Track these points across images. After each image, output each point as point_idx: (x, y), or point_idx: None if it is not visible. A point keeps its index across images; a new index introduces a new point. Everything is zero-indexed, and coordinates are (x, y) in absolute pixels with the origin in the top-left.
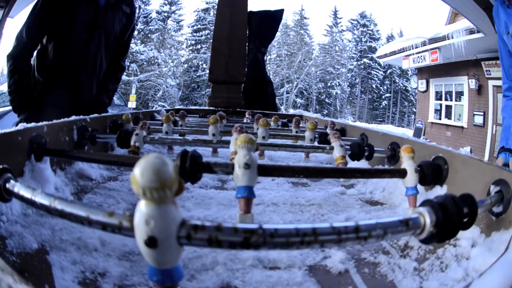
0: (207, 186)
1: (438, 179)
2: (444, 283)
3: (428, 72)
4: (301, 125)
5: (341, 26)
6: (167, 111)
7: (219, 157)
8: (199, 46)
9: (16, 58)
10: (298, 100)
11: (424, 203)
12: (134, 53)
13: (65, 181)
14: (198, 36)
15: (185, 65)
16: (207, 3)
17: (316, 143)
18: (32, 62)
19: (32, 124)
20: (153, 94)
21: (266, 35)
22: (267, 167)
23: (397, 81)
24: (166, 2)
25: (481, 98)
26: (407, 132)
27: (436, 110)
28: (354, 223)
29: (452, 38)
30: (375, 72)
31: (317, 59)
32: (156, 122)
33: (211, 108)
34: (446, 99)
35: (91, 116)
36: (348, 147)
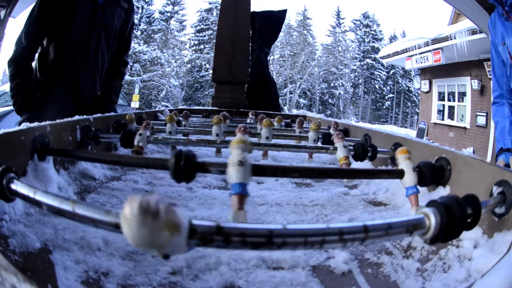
0: (211, 186)
1: (439, 179)
2: (447, 283)
3: (431, 73)
4: (304, 125)
5: (344, 26)
6: (170, 111)
7: (223, 157)
8: (202, 46)
9: (17, 62)
10: (301, 100)
11: (429, 204)
12: (137, 53)
13: (68, 180)
14: (201, 36)
15: (188, 65)
16: (210, 3)
17: (319, 144)
18: (34, 64)
19: (35, 124)
20: (156, 94)
21: (269, 36)
22: (261, 167)
23: (400, 81)
24: (169, 2)
25: (484, 99)
26: (410, 133)
27: (439, 111)
28: (362, 223)
29: (455, 38)
30: (378, 73)
31: (320, 59)
32: (159, 122)
33: (214, 108)
34: (449, 100)
35: (95, 116)
36: (351, 147)
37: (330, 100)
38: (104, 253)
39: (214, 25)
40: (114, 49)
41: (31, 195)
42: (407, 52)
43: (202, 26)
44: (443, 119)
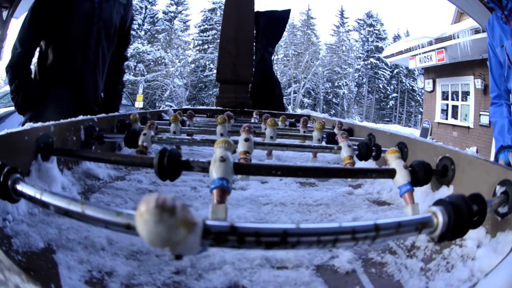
0: None
1: (441, 178)
2: (450, 283)
3: (434, 72)
4: (308, 125)
5: (348, 26)
6: (175, 111)
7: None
8: (206, 46)
9: (14, 68)
10: (306, 100)
11: (437, 203)
12: (140, 53)
13: (72, 180)
14: (205, 36)
15: (192, 65)
16: (213, 3)
17: (323, 143)
18: (33, 67)
19: (39, 124)
20: (160, 94)
21: (273, 35)
22: (243, 165)
23: (403, 81)
24: (173, 2)
25: (487, 98)
26: (414, 132)
27: (442, 110)
28: (373, 222)
29: (458, 37)
30: (382, 72)
31: (324, 59)
32: (163, 122)
33: (218, 108)
34: (452, 99)
35: (99, 116)
36: (355, 147)
37: (334, 100)
38: (108, 252)
39: (218, 25)
40: (114, 46)
41: (37, 196)
42: (410, 51)
43: (206, 26)
44: (446, 119)
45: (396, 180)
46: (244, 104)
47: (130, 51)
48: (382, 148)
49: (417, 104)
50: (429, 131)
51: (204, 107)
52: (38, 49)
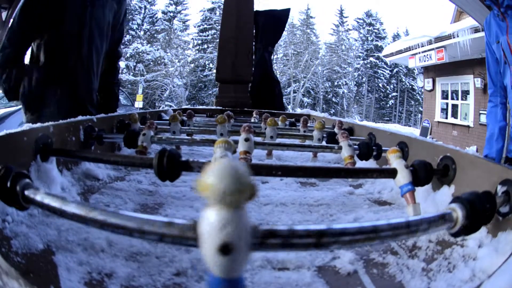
0: None
1: (442, 177)
2: (452, 283)
3: (434, 71)
4: (308, 124)
5: (347, 25)
6: (174, 110)
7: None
8: (205, 46)
9: (4, 67)
10: (305, 99)
11: (455, 200)
12: (140, 53)
13: (71, 181)
14: (205, 36)
15: (192, 65)
16: (212, 2)
17: (324, 143)
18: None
19: (38, 125)
20: (160, 94)
21: (272, 35)
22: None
23: (403, 80)
24: (172, 2)
25: (487, 97)
26: (414, 132)
27: (442, 109)
28: (404, 219)
29: (458, 36)
30: (381, 71)
31: (323, 58)
32: (163, 122)
33: (218, 107)
34: (452, 98)
35: (98, 116)
36: (356, 146)
37: (334, 99)
38: (107, 254)
39: (217, 24)
40: (108, 42)
41: (55, 204)
42: (410, 50)
43: (205, 26)
44: (446, 118)
45: (397, 180)
46: (244, 103)
47: (129, 51)
48: (383, 148)
49: (416, 103)
50: (429, 130)
51: (204, 107)
52: (29, 50)
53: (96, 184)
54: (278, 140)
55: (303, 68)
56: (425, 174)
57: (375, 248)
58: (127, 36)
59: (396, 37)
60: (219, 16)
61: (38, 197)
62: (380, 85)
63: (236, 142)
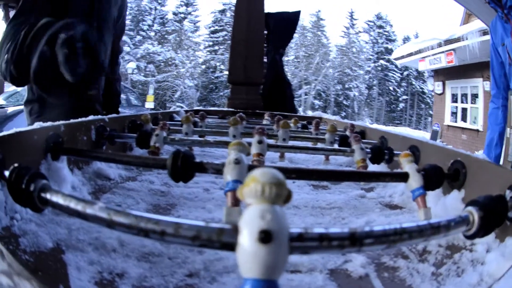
0: None
1: (453, 182)
2: None
3: (444, 74)
4: (320, 127)
5: (358, 27)
6: (186, 111)
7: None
8: (216, 47)
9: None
10: (316, 101)
11: (471, 203)
12: (151, 54)
13: (82, 180)
14: (215, 38)
15: (203, 66)
16: (223, 4)
17: (336, 146)
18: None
19: (49, 123)
20: (171, 95)
21: (283, 37)
22: (256, 167)
23: (413, 83)
24: (182, 3)
25: None
26: (425, 135)
27: (452, 113)
28: (427, 222)
29: (467, 39)
30: (392, 74)
31: (334, 60)
32: (175, 123)
33: (230, 109)
34: (462, 102)
35: (110, 116)
36: (368, 150)
37: (344, 102)
38: (119, 254)
39: (228, 26)
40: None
41: (78, 208)
42: (420, 53)
43: (216, 27)
44: (456, 121)
45: (409, 184)
46: (255, 105)
47: (140, 51)
48: (395, 152)
49: (427, 106)
50: (439, 134)
51: (216, 108)
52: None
53: (108, 184)
54: (291, 143)
55: (314, 70)
56: (437, 178)
57: (386, 252)
58: (138, 36)
59: (406, 39)
60: (230, 17)
61: (59, 200)
62: (391, 88)
63: (249, 144)
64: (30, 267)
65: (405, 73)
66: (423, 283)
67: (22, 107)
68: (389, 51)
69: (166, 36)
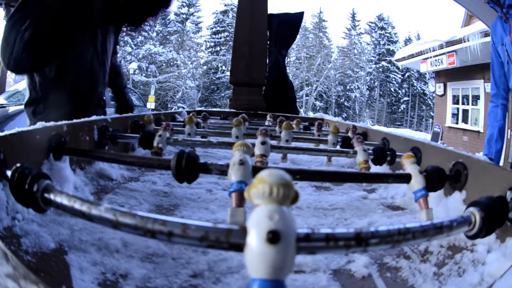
0: None
1: (454, 183)
2: (462, 287)
3: (445, 76)
4: (323, 128)
5: (359, 28)
6: (188, 112)
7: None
8: (218, 48)
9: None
10: (317, 103)
11: (473, 204)
12: (152, 55)
13: (84, 180)
14: (217, 38)
15: (204, 67)
16: (225, 5)
17: (338, 147)
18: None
19: (51, 123)
20: (172, 95)
21: (286, 38)
22: (262, 169)
23: (415, 84)
24: (184, 4)
25: None
26: (426, 137)
27: (453, 114)
28: (430, 222)
29: (468, 41)
30: (393, 76)
31: (336, 62)
32: (177, 124)
33: (232, 110)
34: (463, 103)
35: (112, 116)
36: (370, 151)
37: (346, 103)
38: (122, 254)
39: (230, 27)
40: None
41: (83, 208)
42: (422, 54)
43: (218, 28)
44: (457, 123)
45: (411, 185)
46: (257, 106)
47: (142, 52)
48: (397, 153)
49: (428, 108)
50: (440, 136)
51: (218, 109)
52: None
53: (110, 184)
54: (293, 144)
55: (315, 71)
56: (439, 179)
57: (388, 252)
58: (140, 37)
59: (407, 41)
60: (232, 18)
61: (63, 200)
62: (392, 89)
63: (252, 145)
64: (32, 267)
65: (407, 74)
66: (425, 283)
67: (23, 106)
68: (391, 53)
69: (168, 36)
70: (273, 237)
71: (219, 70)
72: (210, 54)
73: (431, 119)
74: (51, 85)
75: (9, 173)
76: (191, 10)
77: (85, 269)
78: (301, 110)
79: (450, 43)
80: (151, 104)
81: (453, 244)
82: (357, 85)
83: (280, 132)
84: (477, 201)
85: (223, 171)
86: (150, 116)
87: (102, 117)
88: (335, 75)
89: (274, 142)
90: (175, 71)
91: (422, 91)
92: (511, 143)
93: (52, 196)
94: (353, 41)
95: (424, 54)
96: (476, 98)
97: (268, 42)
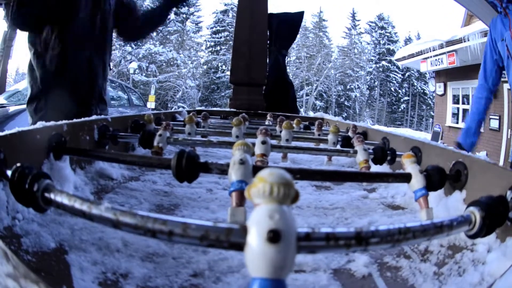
0: None
1: (454, 182)
2: (462, 287)
3: (445, 75)
4: (323, 128)
5: (360, 28)
6: (188, 112)
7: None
8: (218, 48)
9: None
10: (318, 102)
11: (473, 203)
12: (153, 54)
13: (84, 180)
14: (217, 38)
15: (205, 67)
16: (225, 4)
17: (338, 147)
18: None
19: (52, 123)
20: (172, 95)
21: (286, 38)
22: (262, 168)
23: (415, 84)
24: (184, 3)
25: (497, 102)
26: (426, 136)
27: (453, 114)
28: (430, 222)
29: (468, 40)
30: (393, 75)
31: (336, 61)
32: (177, 123)
33: (232, 109)
34: (463, 103)
35: (113, 116)
36: (371, 151)
37: (346, 103)
38: (123, 254)
39: (230, 26)
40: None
41: (83, 208)
42: (422, 54)
43: (218, 28)
44: (457, 122)
45: (411, 185)
46: (257, 106)
47: (142, 51)
48: (397, 153)
49: (428, 107)
50: (440, 135)
51: (218, 108)
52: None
53: (110, 184)
54: (293, 143)
55: (315, 71)
56: (439, 179)
57: (388, 251)
58: None
59: (408, 40)
60: (232, 18)
61: (63, 200)
62: (392, 89)
63: (252, 144)
64: (32, 267)
65: (407, 74)
66: (425, 282)
67: (23, 106)
68: (391, 52)
69: (168, 36)
70: (274, 236)
71: (219, 69)
72: (210, 53)
73: (431, 119)
74: (52, 79)
75: (9, 172)
76: (191, 9)
77: (86, 269)
78: (301, 110)
79: (450, 42)
80: (151, 104)
81: (453, 244)
82: (357, 85)
83: (281, 132)
84: (477, 201)
85: (223, 170)
86: (150, 116)
87: (102, 116)
88: (335, 74)
89: (274, 142)
90: (175, 70)
91: (422, 90)
92: (511, 143)
93: (52, 196)
94: (353, 40)
95: (424, 53)
96: None
97: (268, 42)
